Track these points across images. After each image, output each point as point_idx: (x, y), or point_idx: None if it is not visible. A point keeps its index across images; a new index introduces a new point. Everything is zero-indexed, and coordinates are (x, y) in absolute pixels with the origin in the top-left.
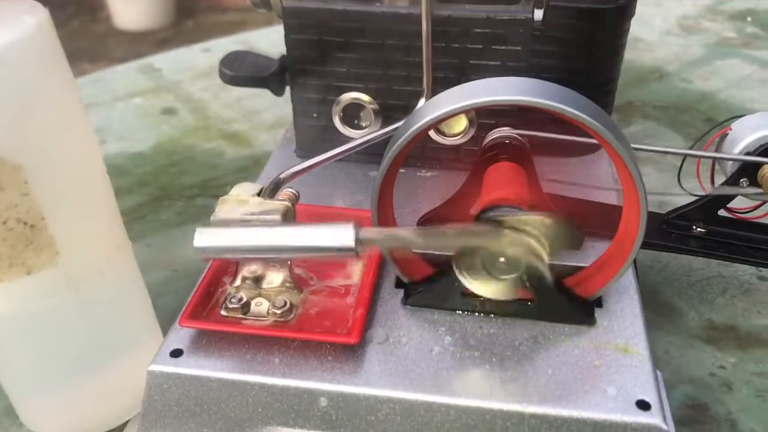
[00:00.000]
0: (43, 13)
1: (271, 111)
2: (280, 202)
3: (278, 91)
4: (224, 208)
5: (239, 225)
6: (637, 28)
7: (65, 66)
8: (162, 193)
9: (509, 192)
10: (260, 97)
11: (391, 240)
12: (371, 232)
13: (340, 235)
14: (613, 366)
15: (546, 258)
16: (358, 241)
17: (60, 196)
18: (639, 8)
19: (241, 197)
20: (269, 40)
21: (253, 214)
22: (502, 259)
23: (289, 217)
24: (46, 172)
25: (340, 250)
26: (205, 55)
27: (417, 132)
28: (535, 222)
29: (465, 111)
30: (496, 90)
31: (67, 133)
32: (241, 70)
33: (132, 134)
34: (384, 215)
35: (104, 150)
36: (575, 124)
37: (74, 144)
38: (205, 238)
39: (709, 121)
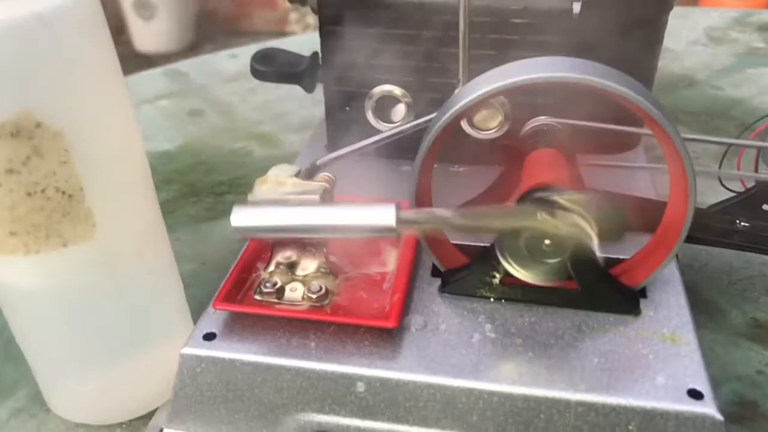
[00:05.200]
0: None
1: (298, 113)
2: (318, 183)
3: (309, 88)
4: (262, 189)
5: (278, 204)
6: (664, 38)
7: (108, 37)
8: (190, 189)
9: (552, 176)
10: (288, 100)
11: (432, 220)
12: (412, 212)
13: (381, 215)
14: (662, 355)
15: (593, 235)
16: (399, 220)
17: (99, 168)
18: None
19: (279, 178)
20: (294, 48)
21: (291, 194)
22: (547, 242)
23: (327, 198)
24: (86, 141)
25: (380, 229)
26: (232, 60)
27: (457, 114)
28: (580, 200)
29: (506, 91)
30: (536, 68)
31: (108, 105)
32: (273, 66)
33: (159, 134)
34: (422, 205)
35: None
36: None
37: (115, 116)
38: (242, 216)
39: (743, 125)
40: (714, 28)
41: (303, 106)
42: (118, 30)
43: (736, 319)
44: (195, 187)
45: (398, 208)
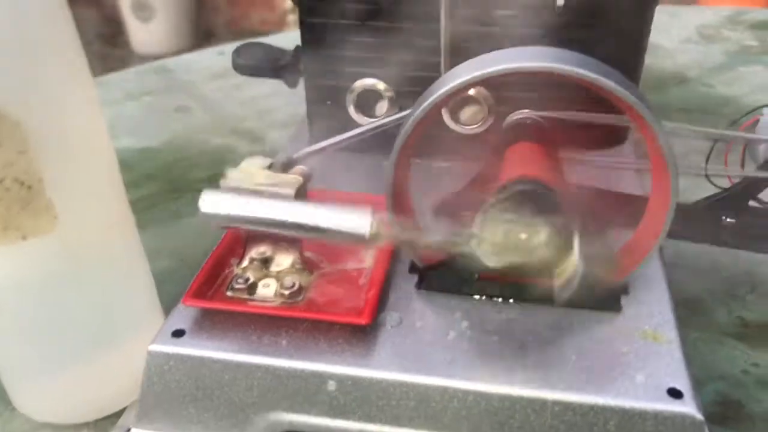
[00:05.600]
0: None
1: (284, 110)
2: (292, 176)
3: (292, 83)
4: (235, 177)
5: (250, 194)
6: (655, 35)
7: (71, 26)
8: (171, 185)
9: (531, 169)
10: (274, 96)
11: (406, 235)
12: (388, 224)
13: (355, 221)
14: (642, 353)
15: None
16: (372, 230)
17: (60, 158)
18: (657, 17)
19: (251, 170)
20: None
21: (264, 185)
22: (524, 236)
23: (302, 193)
24: (47, 131)
25: (352, 236)
26: (220, 57)
27: (431, 106)
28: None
29: (485, 80)
30: (516, 58)
31: (71, 94)
32: (255, 60)
33: (142, 130)
34: (400, 200)
35: (115, 145)
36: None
37: (78, 106)
38: (211, 202)
39: (733, 124)
40: (706, 26)
41: (289, 102)
42: (117, 32)
43: (722, 317)
44: (176, 183)
45: (374, 216)
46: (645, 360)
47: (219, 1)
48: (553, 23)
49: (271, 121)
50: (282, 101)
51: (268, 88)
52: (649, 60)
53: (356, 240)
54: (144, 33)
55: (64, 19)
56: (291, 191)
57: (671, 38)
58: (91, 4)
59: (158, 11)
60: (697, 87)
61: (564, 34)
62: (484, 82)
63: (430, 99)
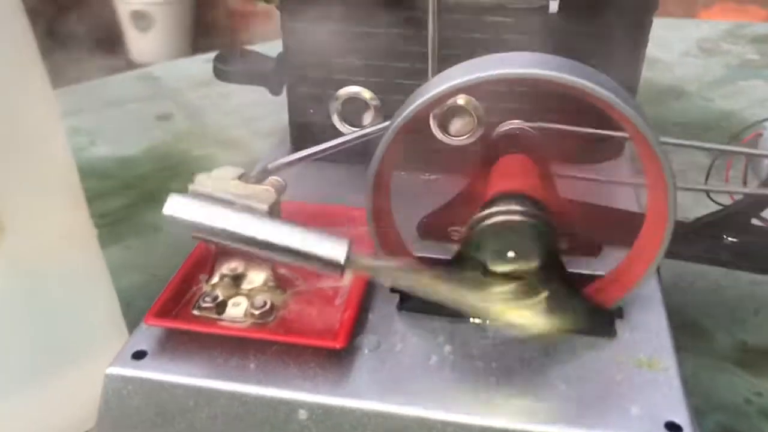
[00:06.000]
0: None
1: (270, 118)
2: (264, 188)
3: (275, 90)
4: (205, 183)
5: (221, 203)
6: (654, 49)
7: (23, 23)
8: (149, 196)
9: (518, 183)
10: (260, 105)
11: (382, 272)
12: (364, 258)
13: (330, 249)
14: (637, 382)
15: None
16: (348, 260)
17: (8, 165)
18: (656, 30)
19: (220, 182)
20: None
21: (237, 195)
22: (510, 254)
23: (276, 208)
24: None
25: (326, 263)
26: (207, 65)
27: (413, 113)
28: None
29: (472, 89)
30: (503, 64)
31: (22, 98)
32: (237, 67)
33: (123, 138)
34: (380, 213)
35: (92, 153)
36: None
37: (28, 109)
38: (178, 206)
39: (734, 138)
40: (706, 39)
41: (274, 111)
42: (116, 42)
43: (723, 342)
44: (155, 193)
45: (351, 246)
46: (640, 390)
47: (218, 11)
48: (546, 30)
49: (255, 130)
50: (267, 109)
51: (256, 95)
52: (648, 73)
53: (330, 269)
54: (143, 42)
55: (18, 27)
56: (265, 206)
57: (671, 52)
58: (91, 13)
59: (157, 21)
60: (696, 101)
61: (557, 41)
62: (472, 90)
63: (412, 106)
